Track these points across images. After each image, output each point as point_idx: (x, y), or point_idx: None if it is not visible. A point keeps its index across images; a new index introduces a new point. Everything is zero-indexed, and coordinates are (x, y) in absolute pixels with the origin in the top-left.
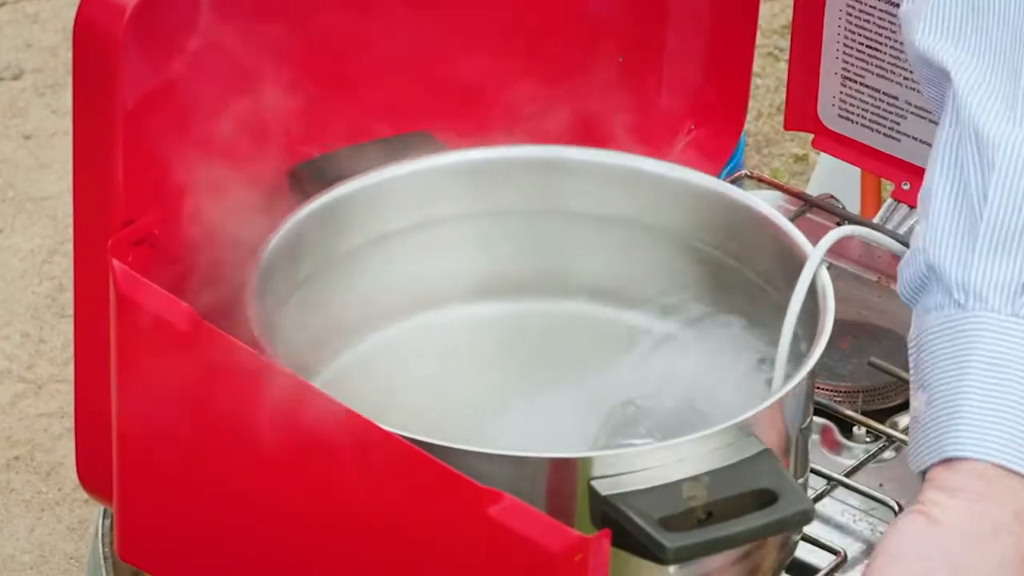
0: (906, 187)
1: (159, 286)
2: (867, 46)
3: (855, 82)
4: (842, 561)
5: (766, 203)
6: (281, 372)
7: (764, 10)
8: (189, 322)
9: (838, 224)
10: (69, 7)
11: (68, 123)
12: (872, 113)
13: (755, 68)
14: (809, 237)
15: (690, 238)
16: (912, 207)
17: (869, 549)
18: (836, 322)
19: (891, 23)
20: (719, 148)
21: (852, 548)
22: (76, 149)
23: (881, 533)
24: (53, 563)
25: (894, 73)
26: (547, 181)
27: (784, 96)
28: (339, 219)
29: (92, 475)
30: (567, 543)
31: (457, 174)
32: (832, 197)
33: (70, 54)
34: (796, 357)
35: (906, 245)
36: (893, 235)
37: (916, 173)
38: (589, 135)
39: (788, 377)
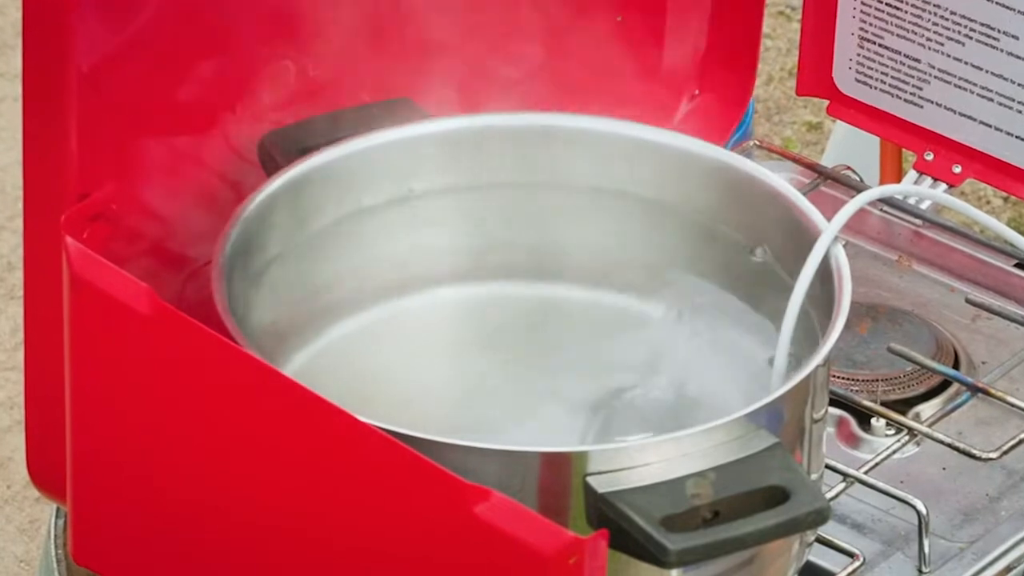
0: (929, 157)
1: (116, 265)
2: (887, 4)
3: (873, 43)
4: (860, 565)
5: (777, 175)
6: (249, 359)
7: None
8: (149, 304)
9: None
10: None
11: (17, 88)
12: (892, 77)
13: (765, 28)
14: (823, 211)
15: (694, 214)
16: (936, 178)
17: (888, 552)
18: (853, 305)
19: None
20: (725, 116)
21: (870, 551)
22: (26, 116)
23: (902, 534)
24: (1, 566)
25: (916, 33)
26: (538, 152)
27: (796, 59)
28: (312, 193)
29: (44, 471)
30: (560, 545)
31: (441, 144)
32: (848, 168)
33: (19, 13)
34: (810, 343)
35: (929, 221)
36: (915, 209)
37: (940, 142)
38: (584, 102)
39: (802, 365)
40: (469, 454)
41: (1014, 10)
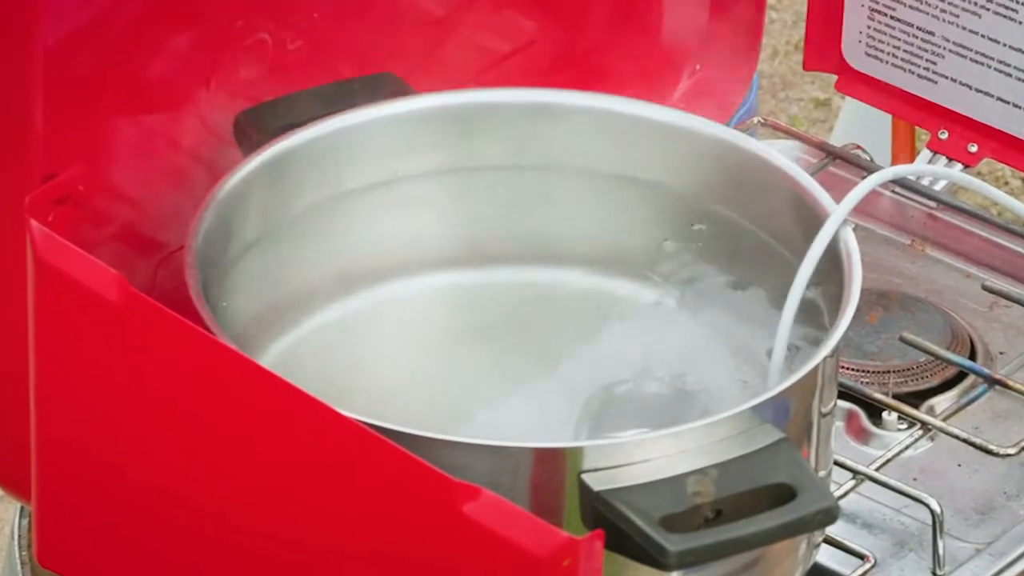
0: (943, 136)
1: (84, 250)
2: None
3: (885, 15)
4: (872, 567)
5: (782, 155)
6: (224, 349)
7: None
8: (118, 292)
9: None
10: None
11: None
12: (904, 51)
13: (770, 0)
14: (832, 193)
15: (695, 195)
16: (951, 158)
17: (901, 553)
18: (864, 291)
19: None
20: (728, 92)
21: (882, 552)
22: None
23: (915, 534)
24: None
25: (930, 4)
26: (531, 131)
27: (803, 32)
28: (291, 174)
29: (7, 468)
30: (554, 546)
31: (427, 122)
32: (858, 148)
33: None
34: (818, 333)
35: (943, 203)
36: (929, 191)
37: (955, 120)
38: (579, 77)
39: (809, 355)
40: (457, 450)
41: None
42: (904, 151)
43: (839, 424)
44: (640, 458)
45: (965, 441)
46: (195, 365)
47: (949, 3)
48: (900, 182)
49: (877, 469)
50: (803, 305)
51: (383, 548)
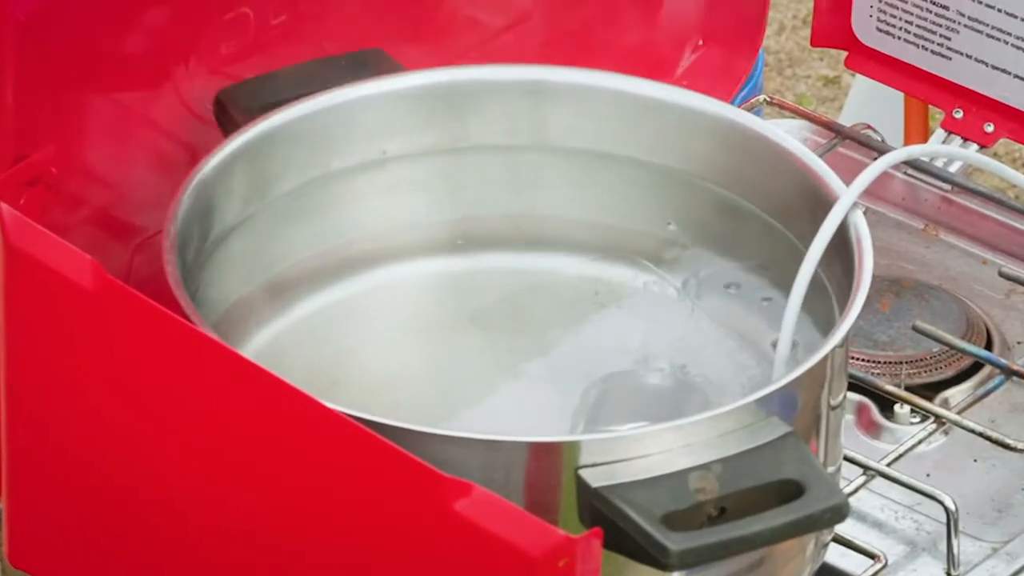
0: (958, 115)
1: (57, 235)
2: None
3: None
4: (882, 567)
5: (789, 135)
6: (204, 339)
7: None
8: (93, 278)
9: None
10: None
11: None
12: (917, 26)
13: None
14: (841, 175)
15: (697, 177)
16: (966, 138)
17: (914, 553)
18: (875, 278)
19: None
20: (732, 69)
21: (894, 551)
22: None
23: (928, 533)
24: None
25: None
26: (526, 110)
27: (811, 5)
28: (275, 155)
29: None
30: (550, 545)
31: (418, 101)
32: (869, 127)
33: None
34: (827, 321)
35: (958, 186)
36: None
37: (970, 98)
38: (576, 54)
39: (818, 346)
40: (448, 444)
41: None
42: (917, 131)
43: (849, 417)
44: (640, 453)
45: (981, 435)
46: (173, 355)
47: None
48: (913, 163)
49: (889, 464)
50: (811, 292)
51: (371, 547)
